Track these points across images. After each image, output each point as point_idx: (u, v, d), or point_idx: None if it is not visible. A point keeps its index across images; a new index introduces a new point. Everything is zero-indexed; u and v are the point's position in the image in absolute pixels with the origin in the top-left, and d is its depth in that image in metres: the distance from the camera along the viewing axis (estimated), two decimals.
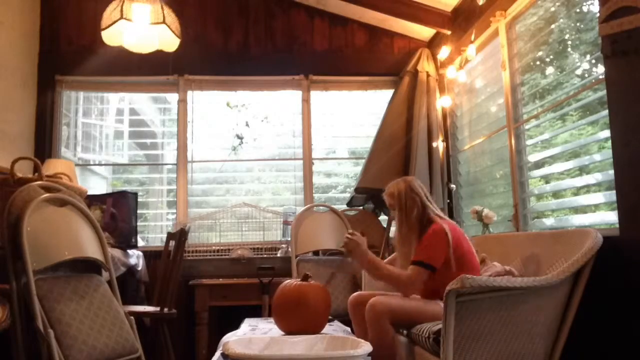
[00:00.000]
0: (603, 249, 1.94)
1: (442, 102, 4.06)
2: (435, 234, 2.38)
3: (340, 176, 4.71)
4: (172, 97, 4.47)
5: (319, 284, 2.48)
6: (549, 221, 2.97)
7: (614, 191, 2.08)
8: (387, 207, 2.92)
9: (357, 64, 4.39)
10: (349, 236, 2.50)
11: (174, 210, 4.25)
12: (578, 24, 2.73)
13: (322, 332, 2.36)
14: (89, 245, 2.33)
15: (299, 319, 2.30)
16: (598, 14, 2.09)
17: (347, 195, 4.26)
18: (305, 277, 2.49)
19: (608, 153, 2.22)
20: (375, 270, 2.46)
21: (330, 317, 2.54)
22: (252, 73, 4.33)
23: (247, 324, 2.67)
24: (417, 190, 2.55)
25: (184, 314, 3.80)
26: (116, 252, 3.41)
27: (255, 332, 2.42)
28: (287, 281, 2.48)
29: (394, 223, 4.00)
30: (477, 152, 3.79)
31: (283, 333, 2.32)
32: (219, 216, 4.15)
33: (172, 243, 3.43)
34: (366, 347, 1.63)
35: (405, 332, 2.36)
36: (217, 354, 2.09)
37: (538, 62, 3.05)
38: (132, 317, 2.37)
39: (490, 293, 1.83)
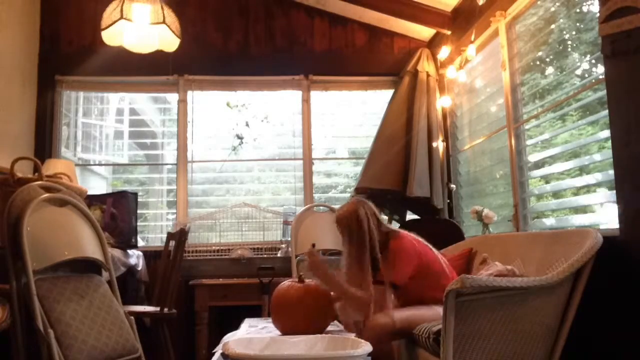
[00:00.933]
0: (603, 249, 1.93)
1: (442, 102, 4.06)
2: (395, 252, 2.36)
3: (340, 176, 4.71)
4: (172, 97, 4.47)
5: (317, 285, 2.46)
6: (549, 221, 2.97)
7: (614, 191, 2.08)
8: (387, 207, 2.88)
9: (357, 64, 4.39)
10: (311, 253, 2.40)
11: (174, 210, 4.25)
12: (578, 24, 2.73)
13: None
14: (89, 245, 2.33)
15: (297, 321, 2.28)
16: (598, 14, 2.09)
17: (347, 195, 4.26)
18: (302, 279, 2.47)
19: (608, 153, 2.22)
20: (338, 289, 2.36)
21: None
22: (252, 73, 4.33)
23: (247, 324, 2.67)
24: (369, 213, 2.42)
25: (184, 314, 3.80)
26: (116, 252, 3.41)
27: (254, 332, 2.42)
28: (284, 282, 2.47)
29: (394, 223, 4.01)
30: (477, 152, 3.79)
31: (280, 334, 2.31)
32: (219, 216, 4.14)
33: (172, 243, 3.43)
34: (366, 347, 1.63)
35: None
36: (217, 354, 2.09)
37: (538, 62, 3.05)
38: (132, 317, 2.37)
39: (490, 293, 1.83)
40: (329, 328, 2.46)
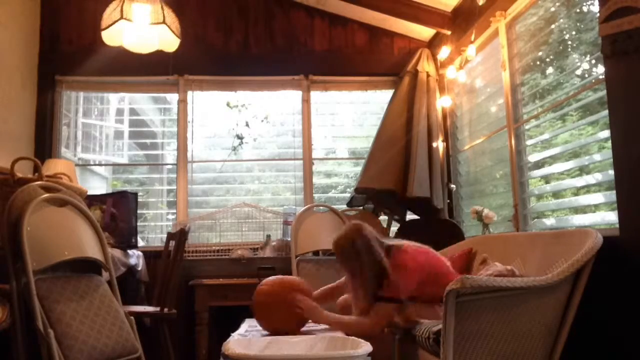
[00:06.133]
0: (603, 249, 1.93)
1: (442, 102, 4.06)
2: (399, 269, 2.29)
3: (340, 176, 4.71)
4: (172, 97, 4.47)
5: (296, 280, 2.43)
6: (549, 221, 2.97)
7: (614, 191, 2.08)
8: (387, 207, 2.84)
9: (357, 64, 4.39)
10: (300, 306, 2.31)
11: (174, 210, 4.25)
12: (578, 24, 2.73)
13: (321, 333, 2.34)
14: (89, 245, 2.33)
15: (277, 317, 2.27)
16: (598, 14, 2.09)
17: (347, 195, 4.26)
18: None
19: (608, 153, 2.22)
20: (339, 327, 2.32)
21: None
22: (252, 73, 4.33)
23: (247, 324, 2.67)
24: (368, 236, 2.33)
25: (184, 314, 3.79)
26: (116, 252, 3.41)
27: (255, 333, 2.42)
28: (264, 280, 2.44)
29: (394, 223, 4.01)
30: (477, 152, 3.79)
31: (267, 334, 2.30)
32: (219, 216, 4.14)
33: (172, 243, 3.43)
34: (366, 347, 1.63)
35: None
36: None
37: (538, 62, 3.05)
38: (132, 317, 2.37)
39: (490, 293, 1.83)
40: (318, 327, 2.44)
